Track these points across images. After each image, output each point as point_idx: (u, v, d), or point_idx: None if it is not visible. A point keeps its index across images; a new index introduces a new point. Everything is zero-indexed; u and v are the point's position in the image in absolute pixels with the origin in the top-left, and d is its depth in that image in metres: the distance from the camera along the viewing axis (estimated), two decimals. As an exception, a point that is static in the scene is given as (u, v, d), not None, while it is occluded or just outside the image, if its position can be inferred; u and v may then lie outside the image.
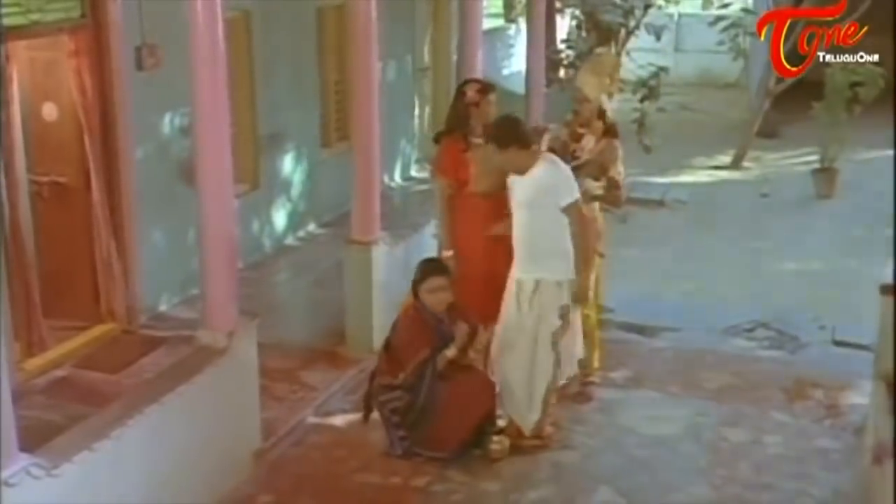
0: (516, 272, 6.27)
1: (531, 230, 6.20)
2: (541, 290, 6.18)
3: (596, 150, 6.84)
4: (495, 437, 6.31)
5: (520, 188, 6.23)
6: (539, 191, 6.15)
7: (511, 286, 6.29)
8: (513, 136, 6.19)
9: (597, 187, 6.72)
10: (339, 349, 7.66)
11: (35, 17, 6.75)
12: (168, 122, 8.19)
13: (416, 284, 6.31)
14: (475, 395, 6.28)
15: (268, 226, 9.96)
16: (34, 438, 4.79)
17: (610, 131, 6.89)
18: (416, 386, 6.15)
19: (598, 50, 12.02)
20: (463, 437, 6.24)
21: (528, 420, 6.37)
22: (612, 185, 6.82)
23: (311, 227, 10.68)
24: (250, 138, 9.54)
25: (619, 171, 6.84)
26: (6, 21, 6.38)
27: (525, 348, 6.25)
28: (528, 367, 6.26)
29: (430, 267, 6.44)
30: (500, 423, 6.43)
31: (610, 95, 7.21)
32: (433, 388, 6.15)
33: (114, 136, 7.48)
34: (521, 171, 6.20)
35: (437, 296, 6.25)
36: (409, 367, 6.15)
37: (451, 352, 6.20)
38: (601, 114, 6.95)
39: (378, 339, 6.86)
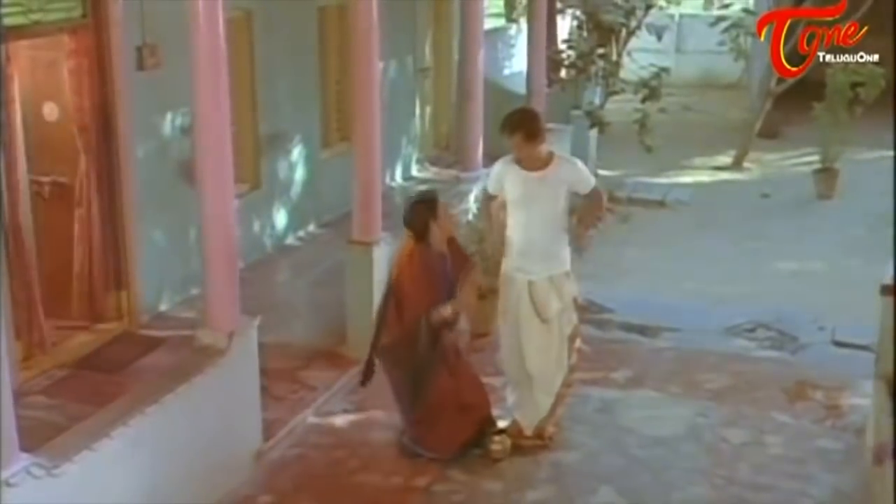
0: (524, 275, 6.22)
1: (542, 228, 6.18)
2: (555, 284, 6.23)
3: None
4: (496, 438, 6.32)
5: (529, 184, 6.14)
6: (560, 185, 6.14)
7: (519, 293, 6.24)
8: (539, 129, 6.19)
9: None
10: (340, 349, 7.65)
11: (36, 16, 6.75)
12: (169, 122, 8.19)
13: (428, 215, 6.14)
14: (474, 396, 6.29)
15: (268, 226, 9.95)
16: (35, 438, 4.81)
17: None
18: (421, 337, 6.05)
19: None
20: (463, 438, 6.25)
21: (536, 417, 6.38)
22: None
23: (312, 227, 10.66)
24: (251, 138, 9.53)
25: None
26: (7, 21, 6.37)
27: (548, 346, 6.27)
28: (550, 363, 6.30)
29: (430, 194, 6.42)
30: (501, 423, 6.44)
31: None
32: (433, 355, 6.07)
33: (114, 135, 7.47)
34: (536, 167, 6.16)
35: (450, 217, 6.36)
36: (424, 315, 6.04)
37: (446, 311, 6.09)
38: None
39: (379, 340, 6.85)
